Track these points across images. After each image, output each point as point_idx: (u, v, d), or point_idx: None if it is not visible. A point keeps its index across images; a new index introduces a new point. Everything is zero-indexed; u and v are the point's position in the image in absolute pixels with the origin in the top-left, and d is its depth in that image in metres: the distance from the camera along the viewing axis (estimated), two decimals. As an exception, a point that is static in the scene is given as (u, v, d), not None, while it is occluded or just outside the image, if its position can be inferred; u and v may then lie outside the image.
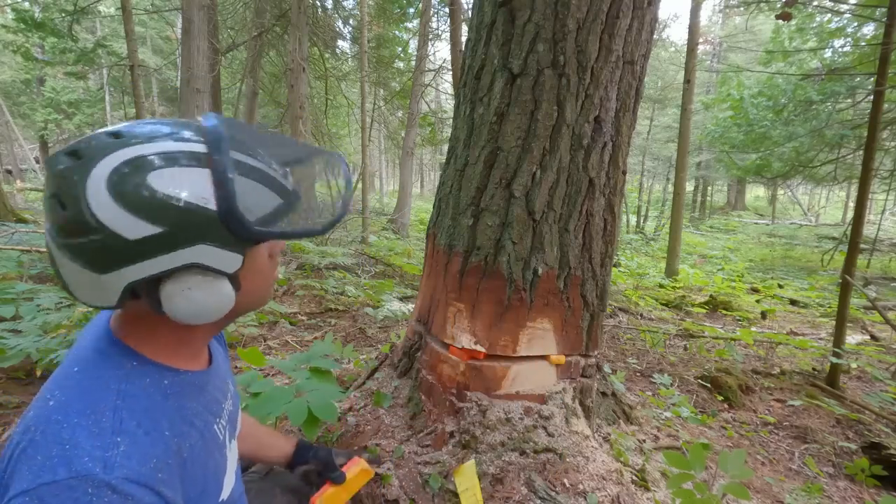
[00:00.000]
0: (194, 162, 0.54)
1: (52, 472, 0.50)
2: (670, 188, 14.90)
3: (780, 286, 7.51)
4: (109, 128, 0.56)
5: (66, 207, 0.51)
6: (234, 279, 0.61)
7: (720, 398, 2.60)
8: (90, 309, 2.32)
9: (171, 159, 0.53)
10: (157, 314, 0.59)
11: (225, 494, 0.71)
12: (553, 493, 1.35)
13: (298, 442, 1.12)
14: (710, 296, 5.60)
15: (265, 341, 3.06)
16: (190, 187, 0.53)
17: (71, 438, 0.52)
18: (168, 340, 0.65)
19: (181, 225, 0.53)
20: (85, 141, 0.53)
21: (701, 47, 16.09)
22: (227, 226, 0.56)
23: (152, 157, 0.53)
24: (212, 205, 0.54)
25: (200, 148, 0.55)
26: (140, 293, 0.57)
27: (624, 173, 1.63)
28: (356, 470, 1.10)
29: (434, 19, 11.00)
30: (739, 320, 4.77)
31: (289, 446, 1.11)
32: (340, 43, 12.41)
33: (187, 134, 0.56)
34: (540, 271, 1.51)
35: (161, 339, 0.64)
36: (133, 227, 0.51)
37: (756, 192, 30.43)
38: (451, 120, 1.84)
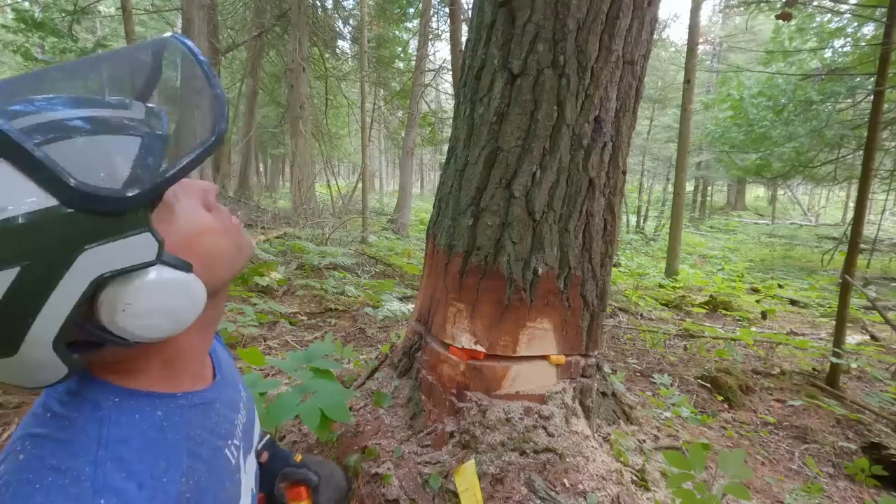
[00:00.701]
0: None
1: None
2: (670, 188, 14.90)
3: (780, 286, 7.51)
4: None
5: None
6: (172, 262, 0.46)
7: (720, 398, 2.60)
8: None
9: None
10: (126, 353, 0.48)
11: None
12: (553, 493, 1.35)
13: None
14: (710, 296, 5.60)
15: (265, 341, 3.07)
16: (9, 198, 0.36)
17: None
18: (151, 363, 0.52)
19: (38, 248, 0.37)
20: None
21: (701, 47, 16.09)
22: (88, 211, 0.39)
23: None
24: (49, 200, 0.37)
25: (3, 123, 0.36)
26: (78, 346, 0.44)
27: (624, 173, 1.63)
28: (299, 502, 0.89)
29: (434, 19, 11.00)
30: (739, 320, 4.77)
31: None
32: (340, 43, 12.42)
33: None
34: (540, 271, 1.51)
35: (141, 362, 0.51)
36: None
37: (756, 192, 30.44)
38: (451, 120, 1.84)
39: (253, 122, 12.77)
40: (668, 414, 2.18)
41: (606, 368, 2.03)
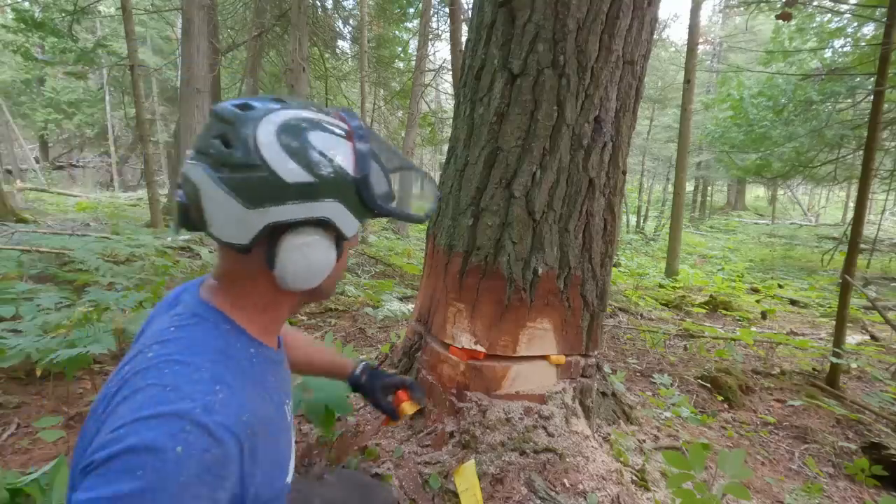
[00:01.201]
0: (342, 134, 0.64)
1: (152, 408, 0.53)
2: (670, 188, 14.90)
3: (780, 286, 7.51)
4: (269, 96, 0.65)
5: (231, 146, 0.59)
6: (338, 248, 0.68)
7: (720, 398, 2.60)
8: (90, 309, 2.32)
9: (325, 128, 0.63)
10: (258, 278, 0.66)
11: (289, 478, 0.71)
12: (553, 493, 1.35)
13: (354, 363, 1.18)
14: (710, 296, 5.60)
15: (265, 341, 3.06)
16: (340, 152, 0.63)
17: (172, 382, 0.55)
18: (256, 310, 0.69)
19: (328, 180, 0.61)
20: (252, 99, 0.63)
21: (701, 47, 16.08)
22: (359, 192, 0.64)
23: (312, 121, 0.63)
24: (352, 171, 0.63)
25: (345, 126, 0.66)
26: (263, 242, 0.62)
27: (624, 173, 1.63)
28: (406, 407, 1.13)
29: (434, 19, 11.00)
30: (739, 320, 4.77)
31: (349, 365, 1.17)
32: (340, 43, 12.41)
33: (331, 112, 0.67)
34: (540, 271, 1.51)
35: (250, 308, 0.69)
36: (291, 172, 0.59)
37: (756, 192, 30.42)
38: (451, 120, 1.84)
39: (253, 122, 12.73)
40: (668, 414, 2.18)
41: (606, 368, 2.03)
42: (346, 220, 0.65)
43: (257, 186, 0.59)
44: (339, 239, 0.67)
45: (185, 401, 0.54)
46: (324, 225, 0.64)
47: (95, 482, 0.50)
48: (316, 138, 0.62)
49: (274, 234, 0.62)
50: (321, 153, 0.61)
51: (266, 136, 0.59)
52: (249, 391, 0.62)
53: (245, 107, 0.61)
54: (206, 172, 0.59)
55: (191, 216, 0.62)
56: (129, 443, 0.50)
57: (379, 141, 0.71)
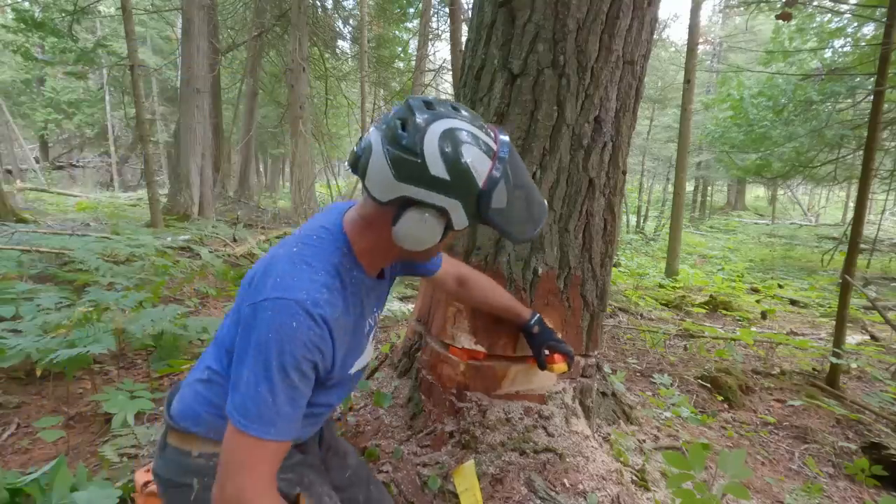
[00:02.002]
0: (489, 153, 0.79)
1: (277, 293, 0.79)
2: (670, 188, 14.89)
3: (780, 286, 7.51)
4: (450, 102, 0.82)
5: (405, 130, 0.76)
6: (444, 234, 0.83)
7: (720, 398, 2.60)
8: (90, 309, 2.32)
9: (477, 143, 0.78)
10: (382, 227, 0.85)
11: (354, 370, 0.97)
12: (553, 493, 1.35)
13: (531, 315, 1.37)
14: (710, 296, 5.60)
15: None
16: (479, 167, 0.78)
17: (298, 278, 0.81)
18: (370, 247, 0.90)
19: (459, 184, 0.77)
20: (434, 101, 0.79)
21: (701, 47, 16.08)
22: (478, 201, 0.79)
23: (471, 135, 0.78)
24: (480, 185, 0.78)
25: (493, 145, 0.80)
26: (396, 205, 0.80)
27: (624, 173, 1.63)
28: (555, 367, 1.34)
29: (434, 19, 11.00)
30: (739, 320, 4.77)
31: (525, 314, 1.37)
32: (340, 43, 12.42)
33: (487, 128, 0.82)
34: (540, 271, 1.51)
35: (367, 244, 0.90)
36: (436, 167, 0.75)
37: (756, 192, 30.41)
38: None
39: (253, 122, 12.76)
40: (668, 414, 2.18)
41: (606, 368, 2.03)
42: (459, 216, 0.81)
43: (409, 168, 0.76)
44: (447, 227, 0.82)
45: (301, 292, 0.79)
46: (441, 212, 0.80)
47: (243, 330, 0.81)
48: (466, 150, 0.77)
49: (404, 204, 0.80)
50: (465, 163, 0.76)
51: (431, 135, 0.76)
52: (343, 301, 0.86)
53: (429, 105, 0.78)
54: (380, 140, 0.78)
55: (358, 165, 0.82)
56: (264, 310, 0.78)
57: (515, 160, 0.85)
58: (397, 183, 0.77)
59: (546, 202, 0.92)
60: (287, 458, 0.91)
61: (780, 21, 3.88)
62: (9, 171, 15.25)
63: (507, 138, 0.83)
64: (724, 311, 5.06)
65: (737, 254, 11.72)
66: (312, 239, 0.89)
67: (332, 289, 0.84)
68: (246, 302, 0.83)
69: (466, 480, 1.35)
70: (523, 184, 0.86)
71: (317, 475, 1.03)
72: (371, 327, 1.01)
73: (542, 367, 1.34)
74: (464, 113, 0.80)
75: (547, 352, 1.35)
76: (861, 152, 4.41)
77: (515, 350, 1.53)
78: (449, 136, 0.76)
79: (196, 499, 0.91)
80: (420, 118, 0.76)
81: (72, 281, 3.18)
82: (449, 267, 1.27)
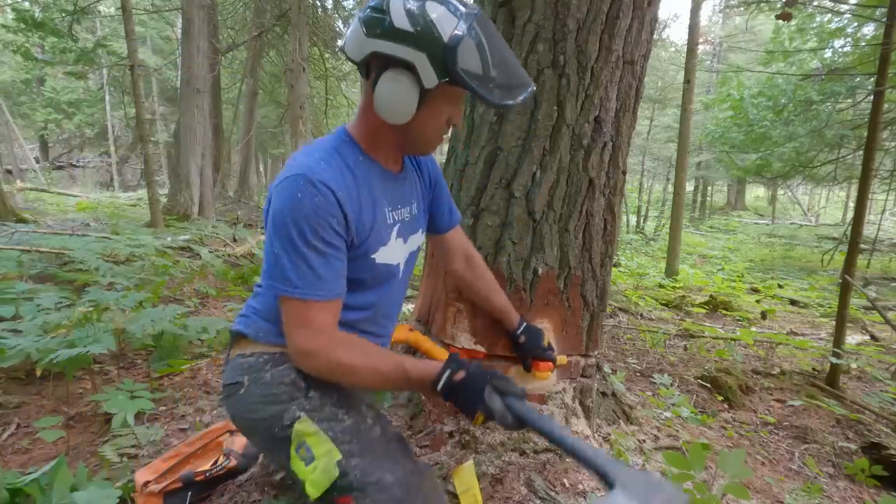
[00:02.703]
0: (455, 13, 0.84)
1: (287, 172, 0.90)
2: (670, 188, 14.88)
3: (780, 286, 7.51)
4: None
5: (376, 10, 0.84)
6: (421, 99, 0.88)
7: (720, 398, 2.60)
8: (90, 309, 2.32)
9: (445, 3, 0.84)
10: (370, 105, 0.92)
11: (383, 260, 1.02)
12: (553, 493, 1.35)
13: (520, 323, 1.39)
14: (710, 296, 5.59)
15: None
16: (444, 23, 0.82)
17: (297, 160, 0.92)
18: (368, 131, 0.98)
19: (423, 35, 0.82)
20: None
21: (701, 47, 16.05)
22: (443, 54, 0.82)
23: None
24: (445, 38, 0.82)
25: (463, 10, 0.85)
26: (371, 70, 0.90)
27: (624, 173, 1.63)
28: (537, 374, 1.37)
29: (434, 19, 10.95)
30: (739, 320, 4.77)
31: (514, 322, 1.38)
32: (340, 43, 12.40)
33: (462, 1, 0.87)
34: (540, 271, 1.51)
35: (364, 129, 0.98)
36: (399, 20, 0.82)
37: (756, 192, 30.40)
38: (451, 120, 1.83)
39: (253, 122, 12.75)
40: (668, 414, 2.18)
41: (606, 368, 2.03)
42: (426, 71, 0.84)
43: (376, 24, 0.84)
44: (422, 90, 0.87)
45: (300, 167, 0.88)
46: (410, 69, 0.84)
47: (267, 217, 0.92)
48: (430, 6, 0.83)
49: (380, 68, 0.87)
50: (427, 15, 0.82)
51: None
52: (349, 175, 0.93)
53: None
54: (359, 13, 0.87)
55: (346, 40, 0.91)
56: (275, 193, 0.89)
57: (488, 27, 0.88)
58: (366, 39, 0.85)
59: (528, 76, 0.94)
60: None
61: (780, 21, 3.88)
62: (9, 171, 15.25)
63: (478, 12, 0.87)
64: (724, 311, 5.06)
65: (737, 254, 11.72)
66: (315, 141, 1.01)
67: (332, 163, 0.92)
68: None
69: (466, 481, 1.34)
70: (497, 48, 0.89)
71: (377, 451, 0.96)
72: (396, 222, 1.05)
73: (528, 370, 1.39)
74: None
75: (530, 361, 1.38)
76: (861, 152, 4.41)
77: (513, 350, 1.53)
78: None
79: (246, 392, 0.99)
80: None
81: (72, 281, 3.18)
82: (461, 237, 1.31)
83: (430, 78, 0.85)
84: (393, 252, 1.04)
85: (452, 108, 0.96)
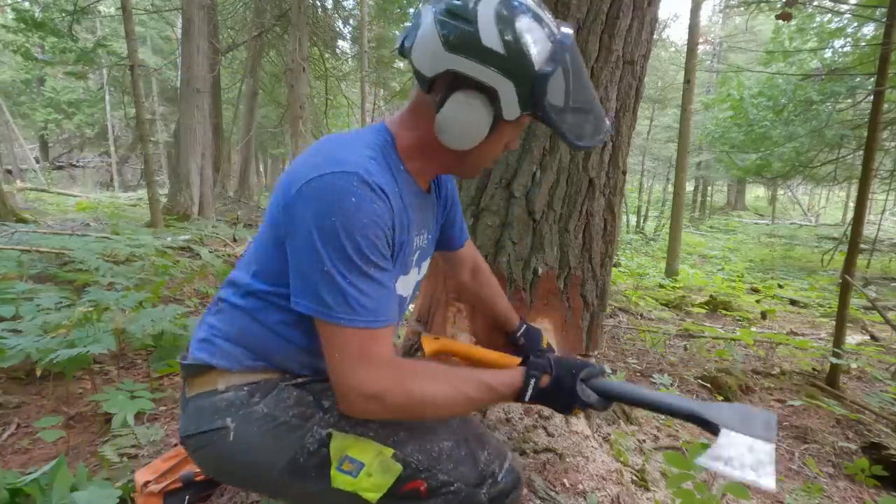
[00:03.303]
0: (549, 36, 0.72)
1: (332, 168, 0.72)
2: (670, 188, 14.88)
3: (780, 286, 7.50)
4: None
5: (460, 18, 0.70)
6: (493, 127, 0.77)
7: (720, 398, 2.60)
8: (90, 309, 2.32)
9: (540, 22, 0.72)
10: (427, 117, 0.78)
11: (399, 292, 0.88)
12: (553, 493, 1.35)
13: (520, 327, 1.31)
14: (710, 296, 5.59)
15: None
16: (538, 47, 0.70)
17: (335, 154, 0.75)
18: (414, 143, 0.83)
19: (513, 59, 0.70)
20: None
21: (701, 47, 16.04)
22: (533, 84, 0.71)
23: (533, 11, 0.72)
24: (537, 66, 0.71)
25: (557, 34, 0.73)
26: (438, 85, 0.75)
27: (624, 173, 1.63)
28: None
29: (434, 19, 10.97)
30: (739, 320, 4.77)
31: (513, 325, 1.30)
32: (340, 43, 12.41)
33: (550, 16, 0.75)
34: (540, 271, 1.51)
35: (410, 138, 0.83)
36: (490, 37, 0.69)
37: (756, 192, 30.39)
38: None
39: (253, 122, 12.76)
40: (668, 414, 2.17)
41: (606, 368, 2.03)
42: (510, 101, 0.73)
43: (460, 36, 0.69)
44: (497, 117, 0.75)
45: (352, 165, 0.73)
46: (490, 96, 0.73)
47: (293, 224, 0.74)
48: (525, 24, 0.70)
49: (451, 86, 0.73)
50: (523, 37, 0.70)
51: (488, 2, 0.69)
52: (393, 183, 0.79)
53: None
54: (433, 10, 0.72)
55: (406, 42, 0.77)
56: (316, 192, 0.72)
57: (578, 58, 0.77)
58: (446, 53, 0.70)
59: (603, 111, 0.84)
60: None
61: (780, 21, 3.87)
62: (9, 171, 15.25)
63: (570, 31, 0.75)
64: (724, 312, 5.06)
65: (737, 254, 11.71)
66: (351, 132, 0.85)
67: (381, 165, 0.78)
68: (284, 199, 0.76)
69: (466, 480, 1.34)
70: (584, 81, 0.78)
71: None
72: (418, 248, 0.92)
73: None
74: None
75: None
76: (861, 152, 4.41)
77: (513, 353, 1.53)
78: (508, 5, 0.69)
79: (236, 438, 0.82)
80: None
81: (72, 281, 3.17)
82: (471, 250, 1.22)
83: (512, 109, 0.74)
84: (408, 283, 0.93)
85: (515, 133, 0.85)
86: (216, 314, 0.90)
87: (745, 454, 0.74)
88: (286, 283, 0.79)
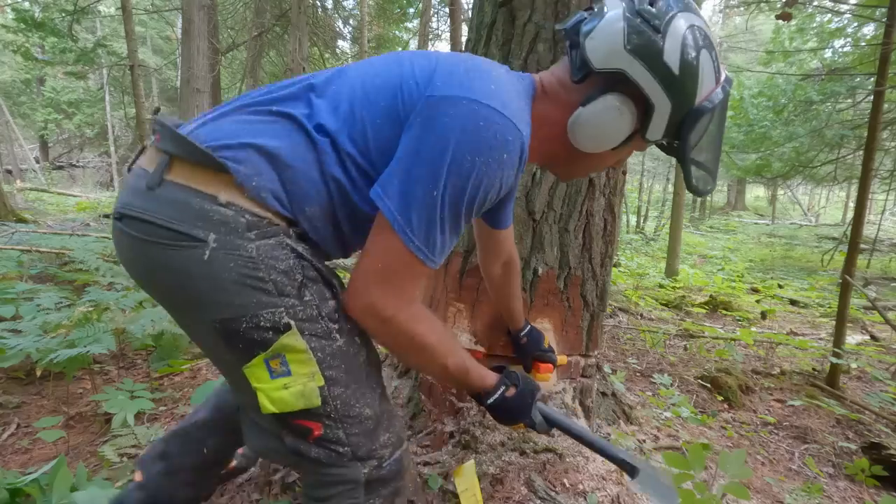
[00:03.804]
0: (717, 76, 0.74)
1: (502, 110, 0.70)
2: (670, 188, 14.88)
3: (780, 286, 7.50)
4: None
5: (653, 6, 0.71)
6: (624, 140, 0.76)
7: (720, 398, 2.60)
8: (90, 309, 2.32)
9: (713, 59, 0.72)
10: (568, 104, 0.77)
11: None
12: (553, 493, 1.35)
13: (525, 325, 1.36)
14: (710, 296, 5.59)
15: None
16: (707, 80, 0.72)
17: (514, 103, 0.73)
18: (543, 119, 0.80)
19: (682, 83, 0.71)
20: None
21: (701, 47, 15.98)
22: (686, 116, 0.73)
23: (712, 49, 0.73)
24: (699, 99, 0.72)
25: (722, 76, 0.75)
26: (593, 78, 0.74)
27: (624, 173, 1.63)
28: (541, 375, 1.36)
29: (434, 19, 11.00)
30: (739, 320, 4.77)
31: (519, 322, 1.34)
32: (340, 43, 12.40)
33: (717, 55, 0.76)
34: (540, 271, 1.51)
35: (544, 112, 0.81)
36: (672, 55, 0.70)
37: (756, 192, 30.38)
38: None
39: (253, 122, 12.72)
40: (668, 414, 2.18)
41: (606, 368, 2.03)
42: (660, 121, 0.73)
43: (645, 41, 0.69)
44: (635, 132, 0.75)
45: (496, 103, 0.69)
46: (644, 109, 0.73)
47: (427, 130, 0.69)
48: (705, 56, 0.71)
49: (608, 86, 0.73)
50: (698, 67, 0.71)
51: (681, 21, 0.70)
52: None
53: None
54: (624, 6, 0.72)
55: (583, 25, 0.74)
56: (456, 105, 0.68)
57: (724, 119, 0.80)
58: (623, 52, 0.70)
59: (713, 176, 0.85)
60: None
61: (780, 21, 3.87)
62: (9, 171, 15.24)
63: (732, 77, 0.78)
64: (724, 311, 5.06)
65: (737, 254, 11.71)
66: (507, 72, 0.81)
67: (525, 120, 0.75)
68: (429, 86, 0.71)
69: (467, 480, 1.34)
70: (721, 131, 0.81)
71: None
72: None
73: (528, 371, 1.39)
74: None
75: (530, 362, 1.37)
76: (861, 152, 4.40)
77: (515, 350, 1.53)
78: (696, 33, 0.71)
79: (211, 258, 0.68)
80: (673, 1, 0.72)
81: (72, 281, 3.18)
82: (512, 239, 1.19)
83: (657, 130, 0.74)
84: None
85: (629, 154, 0.86)
86: (269, 123, 0.73)
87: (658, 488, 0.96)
88: (378, 164, 0.74)
